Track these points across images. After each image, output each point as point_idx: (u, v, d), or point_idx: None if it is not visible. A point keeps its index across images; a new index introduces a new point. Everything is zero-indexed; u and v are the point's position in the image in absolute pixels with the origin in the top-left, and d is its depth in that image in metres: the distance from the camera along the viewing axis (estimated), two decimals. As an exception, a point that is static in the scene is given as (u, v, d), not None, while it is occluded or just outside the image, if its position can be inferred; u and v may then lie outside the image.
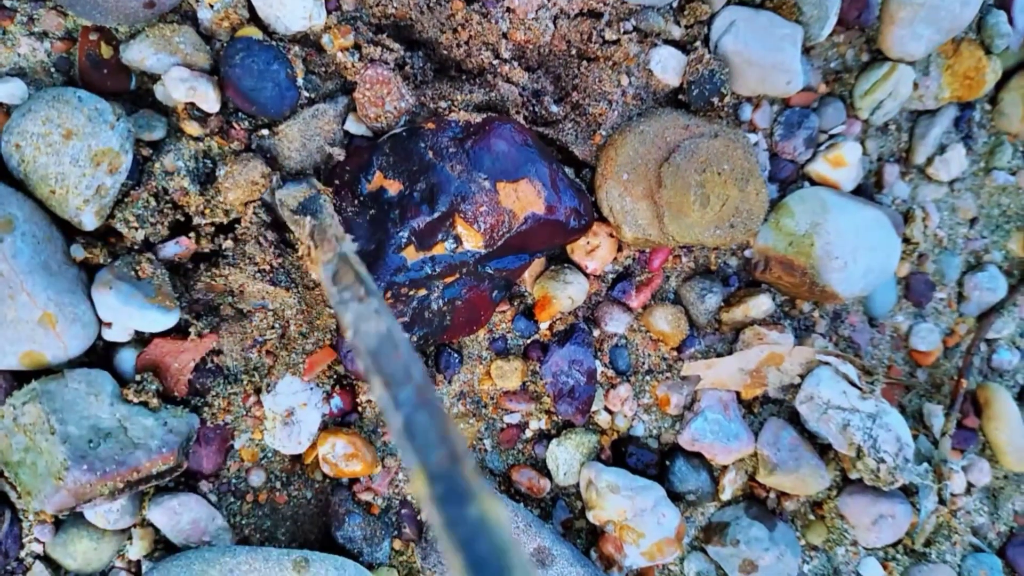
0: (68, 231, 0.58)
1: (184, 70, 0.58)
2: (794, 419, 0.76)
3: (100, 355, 0.61)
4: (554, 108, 0.65)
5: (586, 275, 0.70)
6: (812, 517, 0.78)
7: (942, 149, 0.80)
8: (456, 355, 0.69)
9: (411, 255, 0.60)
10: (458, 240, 0.60)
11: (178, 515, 0.61)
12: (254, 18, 0.60)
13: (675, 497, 0.73)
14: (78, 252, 0.58)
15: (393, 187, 0.60)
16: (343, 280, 0.56)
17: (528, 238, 0.62)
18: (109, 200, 0.57)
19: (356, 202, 0.60)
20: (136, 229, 0.58)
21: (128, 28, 0.59)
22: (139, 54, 0.58)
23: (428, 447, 0.42)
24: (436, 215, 0.59)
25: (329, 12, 0.61)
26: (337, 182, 0.61)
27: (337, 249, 0.59)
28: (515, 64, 0.64)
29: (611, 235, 0.69)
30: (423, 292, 0.61)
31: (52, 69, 0.59)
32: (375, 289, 0.50)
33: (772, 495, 0.76)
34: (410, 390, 0.47)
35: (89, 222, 0.57)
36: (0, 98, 0.57)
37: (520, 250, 0.64)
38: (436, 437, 0.43)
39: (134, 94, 0.60)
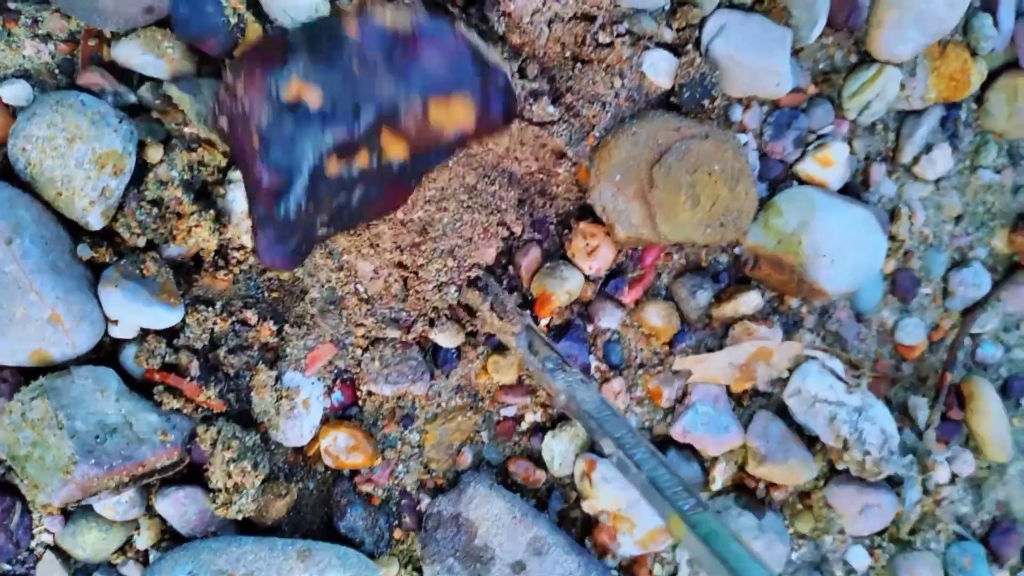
0: (74, 231, 0.60)
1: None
2: (782, 412, 0.78)
3: (107, 352, 0.62)
4: (551, 109, 0.67)
5: (586, 276, 0.72)
6: (800, 507, 0.80)
7: (928, 148, 0.81)
8: (454, 351, 0.71)
9: (331, 167, 0.57)
10: (381, 151, 0.58)
11: (185, 506, 0.63)
12: (257, 14, 0.61)
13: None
14: (85, 252, 0.59)
15: (313, 99, 0.56)
16: (539, 350, 0.61)
17: (454, 146, 0.62)
18: (114, 201, 0.59)
19: (268, 107, 0.55)
20: (138, 236, 0.60)
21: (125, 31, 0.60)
22: (126, 52, 0.59)
23: (678, 497, 0.49)
24: (360, 130, 0.57)
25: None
26: (242, 80, 0.56)
27: (524, 321, 0.66)
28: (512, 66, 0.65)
29: (607, 233, 0.70)
30: (343, 196, 0.59)
31: (56, 70, 0.60)
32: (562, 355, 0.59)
33: (761, 485, 0.78)
34: (643, 450, 0.54)
35: (95, 222, 0.58)
36: (6, 99, 0.58)
37: (445, 153, 0.62)
38: (681, 488, 0.51)
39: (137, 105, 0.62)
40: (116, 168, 0.57)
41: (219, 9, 0.58)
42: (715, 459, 0.77)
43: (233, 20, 0.59)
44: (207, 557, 0.60)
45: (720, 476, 0.77)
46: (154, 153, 0.60)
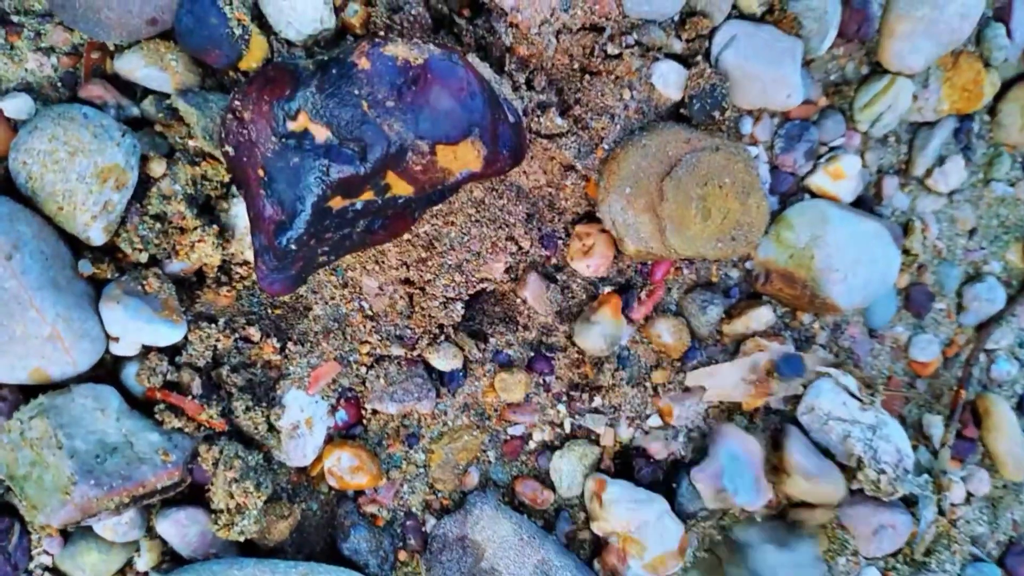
0: (75, 247, 0.59)
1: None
2: (795, 430, 0.76)
3: (108, 369, 0.61)
4: (559, 121, 0.66)
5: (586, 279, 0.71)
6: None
7: (941, 161, 0.80)
8: (460, 370, 0.70)
9: (335, 202, 0.56)
10: (387, 189, 0.57)
11: (186, 528, 0.62)
12: (263, 27, 0.61)
13: (682, 515, 0.74)
14: (86, 268, 0.58)
15: (320, 134, 0.55)
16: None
17: (460, 184, 0.60)
18: (116, 216, 0.58)
19: (275, 138, 0.55)
20: (140, 251, 0.59)
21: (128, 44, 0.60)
22: (129, 65, 0.59)
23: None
24: (366, 170, 0.56)
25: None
26: (250, 108, 0.55)
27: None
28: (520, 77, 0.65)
29: (602, 231, 0.69)
30: (346, 230, 0.58)
31: (59, 84, 0.60)
32: None
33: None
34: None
35: (97, 237, 0.58)
36: (7, 113, 0.57)
37: (451, 190, 0.61)
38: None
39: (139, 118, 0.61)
40: (118, 182, 0.57)
41: (223, 21, 0.58)
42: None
43: (238, 32, 0.58)
44: (208, 583, 0.59)
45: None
46: (157, 167, 0.59)
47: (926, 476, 0.74)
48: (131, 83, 0.60)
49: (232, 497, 0.60)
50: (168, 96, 0.60)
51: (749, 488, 0.73)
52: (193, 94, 0.59)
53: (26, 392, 0.58)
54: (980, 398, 0.83)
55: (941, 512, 0.78)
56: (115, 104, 0.59)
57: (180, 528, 0.62)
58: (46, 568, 0.62)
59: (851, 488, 0.74)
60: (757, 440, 0.75)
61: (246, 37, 0.59)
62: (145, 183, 0.60)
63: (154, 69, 0.59)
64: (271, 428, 0.64)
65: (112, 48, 0.59)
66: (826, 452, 0.74)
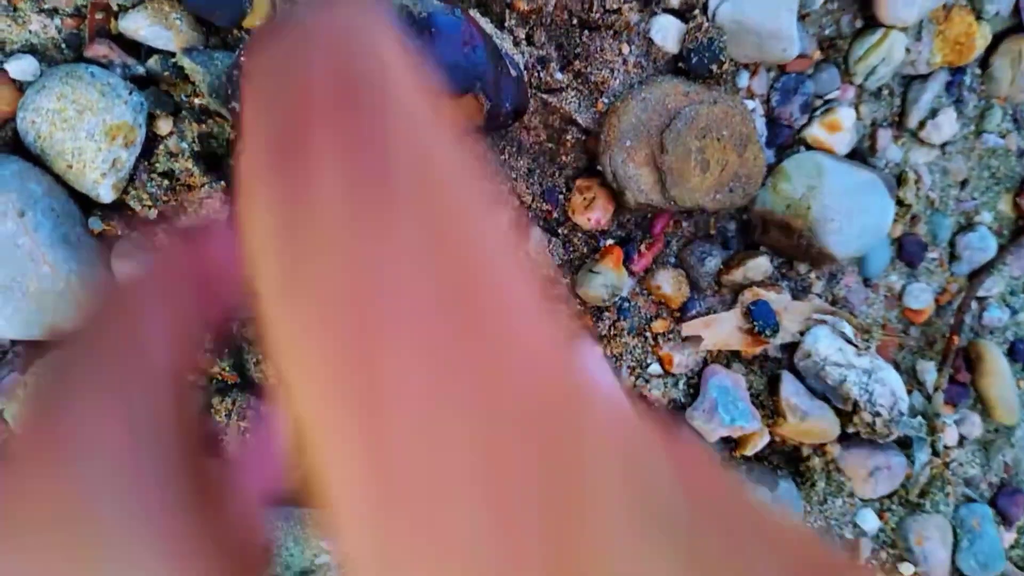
0: (83, 204, 0.60)
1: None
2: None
3: (120, 325, 0.62)
4: (559, 75, 0.67)
5: (587, 232, 0.72)
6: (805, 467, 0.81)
7: (933, 113, 0.81)
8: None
9: None
10: None
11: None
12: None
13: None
14: (96, 225, 0.59)
15: None
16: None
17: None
18: (125, 173, 0.59)
19: None
20: (150, 208, 0.60)
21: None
22: (134, 24, 0.59)
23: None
24: None
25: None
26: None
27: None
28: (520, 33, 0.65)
29: (603, 184, 0.70)
30: None
31: (63, 45, 0.60)
32: None
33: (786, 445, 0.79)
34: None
35: (107, 195, 0.58)
36: (13, 75, 0.58)
37: None
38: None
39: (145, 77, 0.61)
40: (127, 139, 0.57)
41: None
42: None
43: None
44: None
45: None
46: (164, 125, 0.60)
47: (920, 419, 0.76)
48: (136, 43, 0.60)
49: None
50: (173, 55, 0.60)
51: (744, 414, 0.75)
52: (198, 52, 0.60)
53: (39, 347, 0.59)
54: (972, 344, 0.85)
55: (935, 454, 0.80)
56: (121, 63, 0.60)
57: (196, 478, 0.63)
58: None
59: (847, 432, 0.76)
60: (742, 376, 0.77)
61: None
62: (152, 141, 0.60)
63: (159, 28, 0.59)
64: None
65: (116, 8, 0.60)
66: (823, 397, 0.76)
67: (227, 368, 0.62)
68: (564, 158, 0.71)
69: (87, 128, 0.56)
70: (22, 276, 0.55)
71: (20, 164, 0.56)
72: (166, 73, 0.60)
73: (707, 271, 0.75)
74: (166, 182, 0.60)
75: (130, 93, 0.58)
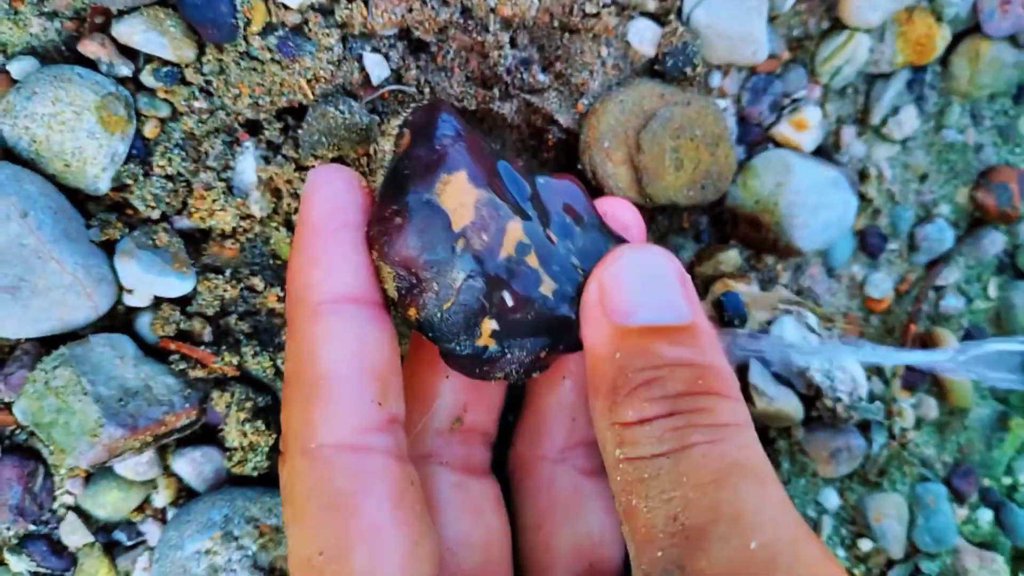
0: (75, 200, 0.62)
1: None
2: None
3: (120, 320, 0.65)
4: (541, 77, 0.69)
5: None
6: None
7: (895, 110, 0.85)
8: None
9: None
10: None
11: (201, 465, 0.66)
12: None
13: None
14: (96, 235, 0.61)
15: None
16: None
17: None
18: (119, 163, 0.61)
19: None
20: (153, 208, 0.62)
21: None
22: (129, 29, 0.60)
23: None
24: None
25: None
26: None
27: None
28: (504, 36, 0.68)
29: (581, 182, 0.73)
30: None
31: (63, 48, 0.62)
32: None
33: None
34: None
35: (104, 187, 0.61)
36: (15, 75, 0.59)
37: None
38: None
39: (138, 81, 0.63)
40: (123, 132, 0.60)
41: (232, 10, 0.60)
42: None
43: (240, 22, 0.61)
44: (242, 504, 0.63)
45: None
46: (156, 128, 0.62)
47: (879, 403, 0.81)
48: (131, 49, 0.62)
49: (245, 436, 0.64)
50: (167, 62, 0.62)
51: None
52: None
53: (44, 344, 0.61)
54: (929, 331, 0.90)
55: (892, 436, 0.85)
56: (108, 62, 0.61)
57: (196, 466, 0.66)
58: (69, 507, 0.66)
59: (811, 415, 0.80)
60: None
61: (245, 20, 0.61)
62: (149, 142, 0.62)
63: (154, 34, 0.61)
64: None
65: (115, 12, 0.61)
66: (788, 383, 0.80)
67: (225, 362, 0.65)
68: (545, 155, 0.74)
69: (87, 127, 0.58)
70: (30, 274, 0.57)
71: (12, 168, 0.58)
72: (160, 83, 0.62)
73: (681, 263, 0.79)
74: (169, 184, 0.62)
75: (118, 88, 0.60)
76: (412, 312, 0.47)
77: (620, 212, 0.55)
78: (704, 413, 0.41)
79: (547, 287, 0.49)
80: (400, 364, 0.47)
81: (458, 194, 0.46)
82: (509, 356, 0.51)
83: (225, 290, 0.66)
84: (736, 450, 0.40)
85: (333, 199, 0.47)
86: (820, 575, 0.36)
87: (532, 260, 0.49)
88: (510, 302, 0.48)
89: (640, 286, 0.46)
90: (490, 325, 0.49)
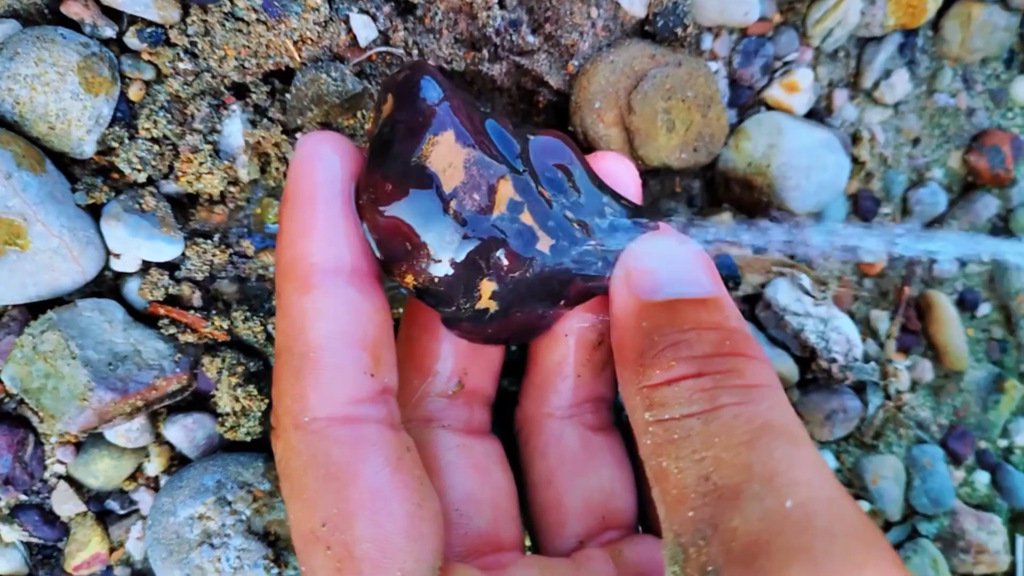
0: (59, 164, 0.61)
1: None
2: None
3: (108, 285, 0.64)
4: (531, 38, 0.69)
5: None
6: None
7: (887, 74, 0.85)
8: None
9: None
10: None
11: (193, 432, 0.65)
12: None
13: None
14: (81, 199, 0.60)
15: None
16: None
17: None
18: (104, 126, 0.60)
19: None
20: (139, 171, 0.61)
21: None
22: (112, -12, 0.60)
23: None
24: None
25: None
26: None
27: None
28: (491, -2, 0.67)
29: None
30: None
31: (45, 11, 0.61)
32: None
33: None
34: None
35: (90, 150, 0.60)
36: (-2, 39, 0.59)
37: None
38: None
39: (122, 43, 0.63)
40: (108, 94, 0.59)
41: None
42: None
43: None
44: (234, 469, 0.63)
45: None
46: (141, 90, 0.62)
47: (874, 364, 0.81)
48: (115, 11, 0.61)
49: (237, 401, 0.64)
50: (152, 23, 0.61)
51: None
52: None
53: (31, 310, 0.61)
54: (923, 295, 0.89)
55: (888, 398, 0.85)
56: (92, 24, 0.60)
57: (188, 432, 0.65)
58: (60, 476, 0.65)
59: (806, 378, 0.80)
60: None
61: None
62: (134, 104, 0.62)
63: (138, -7, 0.60)
64: (269, 337, 0.67)
65: (97, -27, 0.61)
66: (783, 346, 0.80)
67: (215, 327, 0.64)
68: (536, 119, 0.74)
69: (71, 88, 0.57)
70: (15, 238, 0.56)
71: (-1, 130, 0.57)
72: (145, 44, 0.61)
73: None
74: (155, 146, 0.62)
75: (103, 49, 0.59)
76: (409, 279, 0.47)
77: (615, 167, 0.55)
78: (733, 374, 0.41)
79: (543, 243, 0.49)
80: (393, 335, 0.47)
81: (446, 155, 0.45)
82: (511, 316, 0.50)
83: (214, 255, 0.65)
84: (767, 411, 0.39)
85: (323, 167, 0.46)
86: (858, 534, 0.35)
87: (526, 217, 0.48)
88: (507, 261, 0.48)
89: (665, 266, 0.47)
90: (490, 286, 0.48)
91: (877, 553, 0.35)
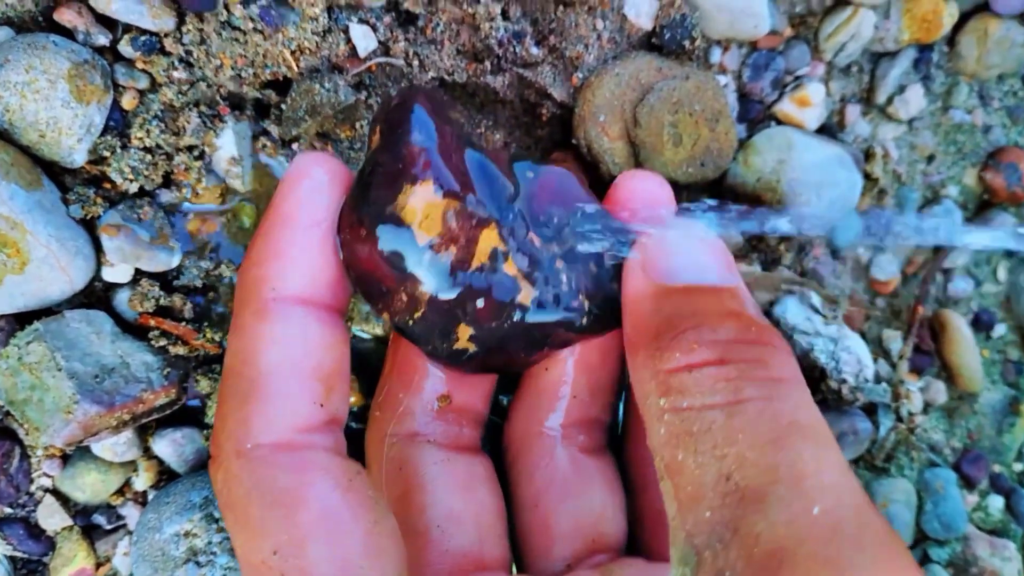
0: (50, 172, 0.60)
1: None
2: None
3: (97, 296, 0.63)
4: (534, 50, 0.67)
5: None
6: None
7: (901, 89, 0.83)
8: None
9: None
10: None
11: (182, 446, 0.64)
12: None
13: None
14: (76, 212, 0.59)
15: None
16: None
17: None
18: (96, 134, 0.59)
19: None
20: (131, 181, 0.60)
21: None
22: (105, -2, 0.59)
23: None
24: None
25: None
26: None
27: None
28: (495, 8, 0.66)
29: (576, 157, 0.72)
30: None
31: (39, 18, 0.60)
32: None
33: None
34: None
35: (80, 159, 0.59)
36: (-8, 47, 0.58)
37: None
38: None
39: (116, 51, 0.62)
40: (100, 102, 0.58)
41: None
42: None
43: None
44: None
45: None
46: (134, 99, 0.61)
47: (885, 385, 0.78)
48: (109, 19, 0.60)
49: (227, 416, 0.62)
50: (145, 31, 0.60)
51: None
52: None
53: (19, 320, 0.60)
54: (937, 314, 0.87)
55: (900, 420, 0.82)
56: (85, 31, 0.60)
57: (176, 447, 0.64)
58: (47, 490, 0.64)
59: (816, 398, 0.78)
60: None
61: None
62: (127, 114, 0.61)
63: (132, 2, 0.59)
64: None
65: (93, -21, 0.60)
66: (792, 366, 0.77)
67: (207, 339, 0.63)
68: (539, 132, 0.72)
69: (61, 96, 0.56)
70: (3, 247, 0.55)
71: (-16, 138, 0.56)
72: (139, 53, 0.60)
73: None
74: (148, 156, 0.61)
75: (93, 56, 0.58)
76: (385, 316, 0.46)
77: (645, 185, 0.53)
78: (757, 365, 0.38)
79: (526, 295, 0.47)
80: (349, 370, 0.46)
81: (423, 206, 0.43)
82: (491, 356, 0.49)
83: (210, 265, 0.64)
84: (794, 409, 0.37)
85: (309, 191, 0.45)
86: (885, 545, 0.33)
87: (509, 267, 0.46)
88: (486, 311, 0.46)
89: (683, 252, 0.45)
90: (467, 330, 0.47)
91: (903, 565, 0.33)
